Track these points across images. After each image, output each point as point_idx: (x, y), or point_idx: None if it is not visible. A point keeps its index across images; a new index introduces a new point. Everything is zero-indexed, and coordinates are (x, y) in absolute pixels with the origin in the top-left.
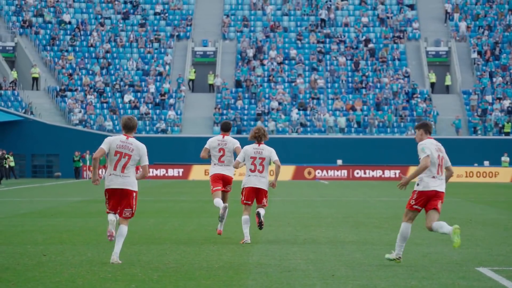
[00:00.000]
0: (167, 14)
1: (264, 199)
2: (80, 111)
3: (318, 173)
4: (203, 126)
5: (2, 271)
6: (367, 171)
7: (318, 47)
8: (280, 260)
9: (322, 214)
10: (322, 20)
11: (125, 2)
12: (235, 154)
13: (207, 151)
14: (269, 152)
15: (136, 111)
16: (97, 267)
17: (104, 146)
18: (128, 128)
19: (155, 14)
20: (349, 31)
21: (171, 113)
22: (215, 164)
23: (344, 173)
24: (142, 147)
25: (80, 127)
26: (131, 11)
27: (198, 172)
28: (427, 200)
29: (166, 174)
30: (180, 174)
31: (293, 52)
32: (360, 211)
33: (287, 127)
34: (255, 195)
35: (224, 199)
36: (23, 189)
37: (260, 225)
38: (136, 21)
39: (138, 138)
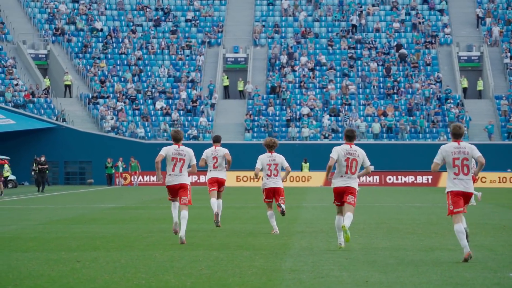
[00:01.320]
0: (198, 21)
1: (281, 197)
2: (112, 118)
3: None
4: (235, 132)
5: (37, 278)
6: (399, 177)
7: (349, 53)
8: (313, 266)
9: (355, 220)
10: (353, 25)
11: (156, 9)
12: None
13: (204, 160)
14: (281, 159)
15: (167, 118)
16: (130, 274)
17: (162, 152)
18: (177, 139)
19: (187, 21)
20: (380, 36)
21: (202, 120)
22: (210, 170)
23: (376, 179)
24: (191, 151)
25: (112, 134)
26: (163, 18)
27: (229, 179)
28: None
29: (198, 181)
30: None
31: (324, 58)
32: (392, 217)
33: (319, 133)
34: (273, 194)
35: (218, 196)
36: (57, 196)
37: (283, 212)
38: (167, 28)
39: (169, 144)
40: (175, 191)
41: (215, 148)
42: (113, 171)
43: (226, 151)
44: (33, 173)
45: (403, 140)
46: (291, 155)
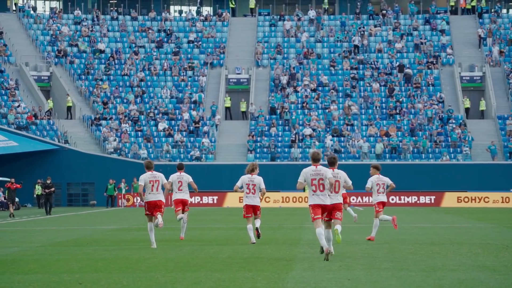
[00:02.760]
0: (200, 42)
1: (258, 211)
2: (115, 140)
3: (353, 199)
4: (237, 153)
5: None
6: (402, 197)
7: (351, 73)
8: (315, 287)
9: (358, 241)
10: (356, 46)
11: (159, 31)
12: (189, 185)
13: (170, 183)
14: (259, 180)
15: (170, 139)
16: None
17: (141, 182)
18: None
19: (189, 42)
20: (382, 57)
21: (205, 141)
22: (176, 192)
23: None
24: (161, 174)
25: (115, 156)
26: (165, 39)
27: (232, 200)
28: None
29: (201, 202)
30: (215, 201)
31: (326, 79)
32: (395, 237)
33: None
34: (253, 210)
35: (183, 212)
36: (59, 217)
37: (259, 236)
38: (170, 50)
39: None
40: (152, 207)
41: (180, 173)
42: (115, 192)
43: (190, 178)
44: (37, 194)
45: (406, 160)
46: (294, 175)
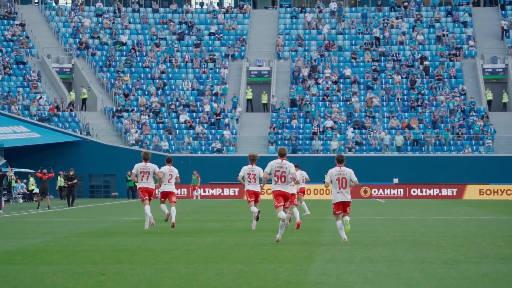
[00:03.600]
0: (221, 34)
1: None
2: (136, 132)
3: (374, 191)
4: (258, 145)
5: None
6: (423, 189)
7: (373, 66)
8: (338, 279)
9: (379, 233)
10: (377, 38)
11: (180, 23)
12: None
13: (162, 173)
14: (259, 170)
15: (191, 131)
16: (155, 287)
17: (134, 170)
18: (146, 159)
19: (210, 34)
20: (404, 49)
21: (226, 133)
22: (165, 184)
23: (400, 191)
24: (154, 165)
25: (136, 147)
26: (186, 31)
27: None
28: None
29: (222, 194)
30: (236, 193)
31: (348, 71)
32: (417, 229)
33: (343, 146)
34: (255, 196)
35: (169, 206)
36: (81, 209)
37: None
38: (191, 42)
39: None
40: (148, 192)
41: (170, 166)
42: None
43: (177, 172)
44: (60, 186)
45: (428, 153)
46: (315, 168)
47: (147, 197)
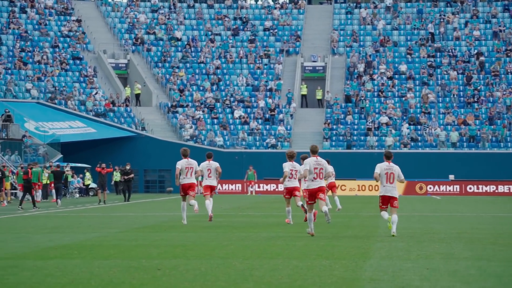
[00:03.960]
0: (276, 30)
1: (298, 192)
2: (191, 127)
3: (430, 188)
4: (313, 141)
5: (118, 285)
6: (480, 186)
7: (428, 61)
8: (393, 276)
9: (435, 230)
10: (432, 34)
11: (235, 19)
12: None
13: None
14: (300, 167)
15: (246, 127)
16: (210, 282)
17: (178, 166)
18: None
19: (265, 30)
20: (460, 44)
21: (280, 128)
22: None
23: (456, 188)
24: (195, 162)
25: (191, 143)
26: (241, 27)
27: None
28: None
29: (276, 189)
30: None
31: (403, 67)
32: (473, 226)
33: (398, 142)
34: (292, 193)
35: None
36: (137, 204)
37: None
38: (245, 37)
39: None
40: (186, 188)
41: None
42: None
43: (217, 164)
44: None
45: (484, 149)
46: (369, 164)
47: (194, 191)
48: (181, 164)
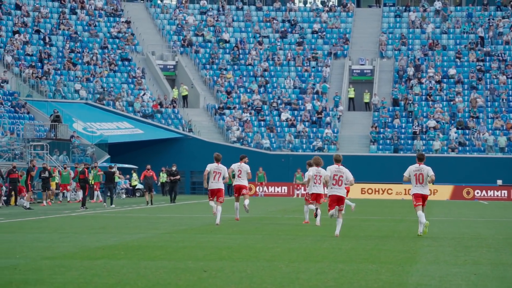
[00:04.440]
0: (324, 33)
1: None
2: (238, 129)
3: (477, 193)
4: (360, 144)
5: (164, 286)
6: None
7: (477, 65)
8: (440, 281)
9: (483, 235)
10: (482, 38)
11: (283, 21)
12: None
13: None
14: (324, 172)
15: (293, 129)
16: (256, 284)
17: (208, 168)
18: (218, 160)
19: (313, 32)
20: (510, 49)
21: (327, 131)
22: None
23: (504, 193)
24: (225, 167)
25: (237, 145)
26: (289, 30)
27: (354, 191)
28: None
29: (325, 192)
30: None
31: (452, 71)
32: None
33: (445, 146)
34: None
35: (242, 198)
36: (183, 205)
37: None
38: (294, 40)
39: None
40: (215, 193)
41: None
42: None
43: (248, 168)
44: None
45: None
46: None
47: (222, 196)
48: (210, 167)
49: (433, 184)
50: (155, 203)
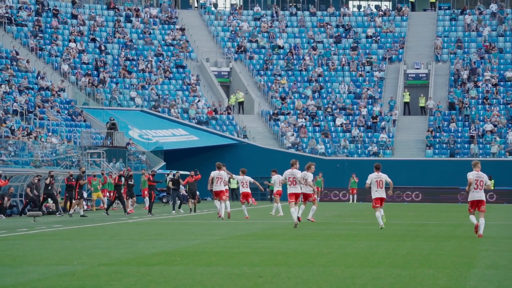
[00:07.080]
0: (379, 37)
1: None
2: (292, 135)
3: None
4: (416, 149)
5: None
6: None
7: None
8: (499, 286)
9: None
10: None
11: (337, 26)
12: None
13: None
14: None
15: (348, 134)
16: None
17: (212, 175)
18: (219, 167)
19: (367, 37)
20: None
21: (383, 136)
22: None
23: None
24: (225, 174)
25: (292, 150)
26: (343, 34)
27: (409, 195)
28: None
29: None
30: (395, 196)
31: (509, 73)
32: None
33: (503, 150)
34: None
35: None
36: (237, 211)
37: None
38: (348, 45)
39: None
40: (218, 193)
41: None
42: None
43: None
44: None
45: None
46: None
47: (226, 195)
48: (213, 174)
49: (493, 188)
50: (212, 209)
